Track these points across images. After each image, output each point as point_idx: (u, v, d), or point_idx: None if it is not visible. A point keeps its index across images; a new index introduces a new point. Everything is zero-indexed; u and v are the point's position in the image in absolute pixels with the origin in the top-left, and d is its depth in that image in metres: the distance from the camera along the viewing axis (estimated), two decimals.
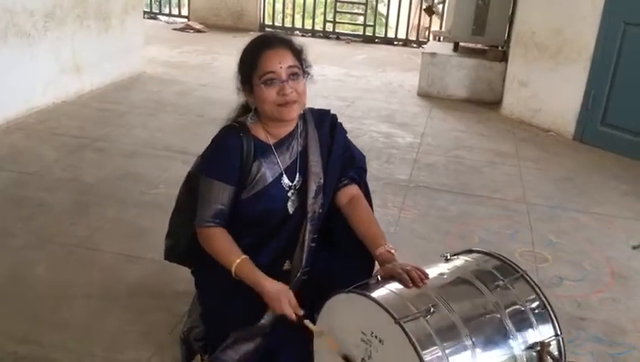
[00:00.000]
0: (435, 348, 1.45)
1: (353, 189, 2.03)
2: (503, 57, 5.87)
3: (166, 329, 2.28)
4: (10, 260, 2.69)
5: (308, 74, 1.93)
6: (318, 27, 9.25)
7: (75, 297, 2.46)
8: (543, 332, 1.63)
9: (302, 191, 1.95)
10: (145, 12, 9.13)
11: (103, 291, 2.50)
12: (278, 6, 9.33)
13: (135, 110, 4.96)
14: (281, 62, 1.82)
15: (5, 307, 2.37)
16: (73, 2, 5.02)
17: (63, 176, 3.60)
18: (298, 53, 1.90)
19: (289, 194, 1.94)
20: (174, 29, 8.79)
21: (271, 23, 9.28)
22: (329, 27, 9.16)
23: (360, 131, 4.73)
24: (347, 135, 2.09)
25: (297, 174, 1.95)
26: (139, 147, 4.14)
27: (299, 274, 1.91)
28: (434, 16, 8.77)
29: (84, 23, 5.20)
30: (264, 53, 1.84)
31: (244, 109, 2.00)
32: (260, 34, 2.02)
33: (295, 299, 1.78)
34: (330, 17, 9.15)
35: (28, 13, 4.52)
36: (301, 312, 1.76)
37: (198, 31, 8.73)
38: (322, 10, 9.24)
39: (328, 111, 2.09)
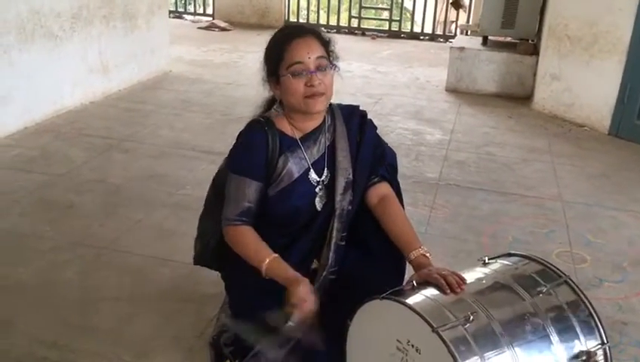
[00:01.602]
0: (476, 358, 1.39)
1: (384, 187, 1.96)
2: (534, 50, 5.74)
3: (195, 333, 2.25)
4: (40, 263, 2.69)
5: (335, 66, 1.87)
6: (343, 23, 9.18)
7: (104, 301, 2.44)
8: (588, 341, 1.55)
9: (330, 187, 1.89)
10: (170, 11, 9.18)
11: (133, 294, 2.48)
12: (303, 2, 9.28)
13: (162, 110, 4.95)
14: (309, 53, 1.77)
15: (35, 311, 2.36)
16: (99, 3, 5.04)
17: (91, 178, 3.60)
18: (326, 44, 1.85)
19: (317, 190, 1.89)
20: (199, 28, 8.80)
21: (295, 20, 9.23)
22: (354, 23, 9.09)
23: (388, 128, 4.66)
24: (377, 131, 2.03)
25: (325, 169, 1.90)
26: (165, 147, 4.13)
27: (325, 273, 1.85)
28: (461, 10, 8.63)
29: (111, 23, 5.21)
30: (292, 42, 1.78)
31: (270, 104, 1.95)
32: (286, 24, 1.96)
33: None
34: (354, 13, 9.07)
35: (55, 14, 4.54)
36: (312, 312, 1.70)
37: (223, 29, 8.72)
38: (347, 5, 9.16)
39: (357, 106, 2.03)
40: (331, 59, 1.85)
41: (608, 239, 3.12)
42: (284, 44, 1.79)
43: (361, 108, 2.03)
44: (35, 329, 2.24)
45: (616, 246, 3.04)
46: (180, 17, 9.62)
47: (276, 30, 1.89)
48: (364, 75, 6.45)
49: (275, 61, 1.80)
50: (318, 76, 1.77)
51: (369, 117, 2.01)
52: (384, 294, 1.54)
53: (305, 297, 1.67)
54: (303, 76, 1.76)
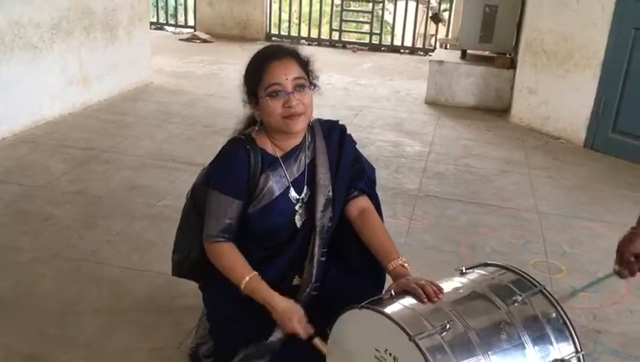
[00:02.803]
0: None
1: (363, 201, 1.99)
2: (512, 64, 5.84)
3: (174, 345, 2.24)
4: (17, 275, 2.66)
5: (315, 85, 1.89)
6: (324, 36, 9.25)
7: (82, 312, 2.42)
8: (562, 349, 1.58)
9: (310, 205, 1.91)
10: (152, 23, 9.17)
11: (111, 306, 2.47)
12: (284, 15, 9.34)
13: (142, 121, 4.94)
14: (286, 74, 1.79)
15: (12, 323, 2.34)
16: (80, 14, 5.03)
17: (70, 189, 3.57)
18: (305, 64, 1.87)
19: (297, 207, 1.91)
20: (181, 40, 8.81)
21: (277, 32, 9.29)
22: (335, 36, 9.16)
23: (368, 140, 4.69)
24: (356, 146, 2.06)
25: (305, 187, 1.92)
26: (146, 158, 4.12)
27: (309, 290, 1.87)
28: (440, 24, 8.75)
29: (91, 34, 5.20)
30: (269, 64, 1.81)
31: (251, 121, 1.97)
32: (266, 44, 1.98)
33: (306, 317, 1.76)
34: (336, 26, 9.14)
35: (34, 25, 4.52)
36: (311, 331, 1.73)
37: (205, 41, 8.74)
38: (328, 18, 9.24)
39: (337, 121, 2.06)
40: (310, 78, 1.87)
41: (584, 249, 3.17)
42: (262, 67, 1.81)
43: (340, 122, 2.05)
44: (12, 341, 2.22)
45: (592, 257, 3.10)
46: (161, 29, 9.62)
47: (256, 51, 1.89)
48: (344, 88, 6.51)
49: (254, 83, 1.83)
50: (295, 96, 1.79)
51: (347, 129, 2.04)
52: (363, 303, 1.56)
53: (299, 328, 1.73)
54: (280, 97, 1.79)
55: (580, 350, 1.60)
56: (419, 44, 9.05)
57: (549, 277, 2.84)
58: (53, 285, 2.60)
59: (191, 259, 2.05)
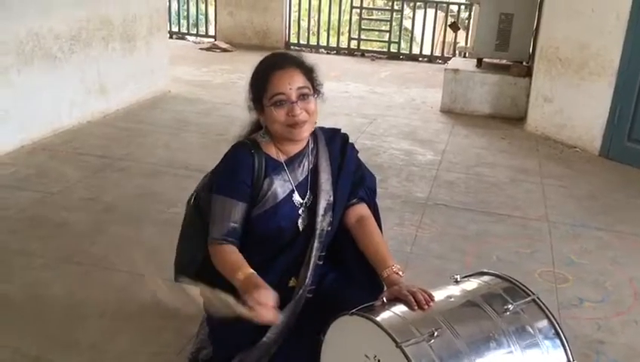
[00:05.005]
0: None
1: (362, 208, 2.01)
2: (527, 73, 5.81)
3: (175, 350, 2.28)
4: (28, 279, 2.73)
5: (319, 92, 1.92)
6: (344, 45, 9.30)
7: (89, 317, 2.48)
8: (554, 359, 1.58)
9: (312, 209, 1.94)
10: (174, 32, 9.34)
11: (117, 311, 2.52)
12: (304, 24, 9.41)
13: (158, 129, 5.03)
14: (290, 84, 1.82)
15: (21, 325, 2.40)
16: (99, 25, 5.14)
17: (85, 196, 3.65)
18: (309, 73, 1.90)
19: (300, 211, 1.93)
20: (201, 49, 8.92)
21: (296, 41, 9.36)
22: (354, 44, 9.20)
23: (380, 149, 4.70)
24: (359, 155, 2.08)
25: (308, 191, 1.95)
26: (160, 166, 4.19)
27: (302, 292, 1.89)
28: (459, 32, 8.73)
29: (110, 45, 5.31)
30: (273, 74, 1.84)
31: (256, 126, 2.00)
32: (271, 52, 2.01)
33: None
34: (355, 35, 9.18)
35: (54, 35, 4.64)
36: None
37: (225, 50, 8.84)
38: (347, 27, 9.29)
39: (339, 130, 2.09)
40: (315, 85, 1.90)
41: (592, 259, 3.14)
42: (267, 76, 1.84)
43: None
44: (19, 343, 2.28)
45: (600, 267, 3.07)
46: (182, 38, 9.76)
47: (261, 59, 1.92)
48: (360, 96, 6.53)
49: (259, 91, 1.87)
50: (299, 105, 1.82)
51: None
52: (354, 310, 1.58)
53: (263, 302, 1.62)
54: (284, 106, 1.82)
55: (572, 360, 1.60)
56: (438, 52, 9.05)
57: (555, 286, 2.82)
58: (61, 290, 2.66)
59: (196, 263, 2.08)
